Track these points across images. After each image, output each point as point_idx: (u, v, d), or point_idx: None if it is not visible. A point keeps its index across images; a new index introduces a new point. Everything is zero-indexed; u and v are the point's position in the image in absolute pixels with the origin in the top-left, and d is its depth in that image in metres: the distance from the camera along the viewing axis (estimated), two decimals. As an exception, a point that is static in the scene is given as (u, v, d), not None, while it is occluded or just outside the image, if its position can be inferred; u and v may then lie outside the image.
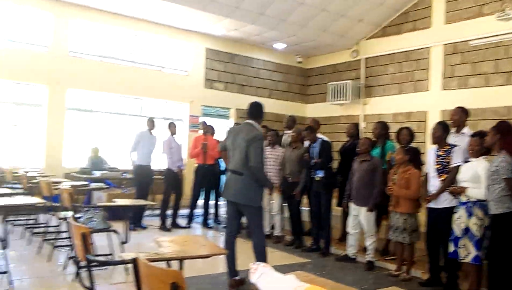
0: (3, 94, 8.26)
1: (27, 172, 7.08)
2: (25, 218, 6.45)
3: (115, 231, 4.46)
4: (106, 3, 8.59)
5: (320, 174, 5.99)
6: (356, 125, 6.80)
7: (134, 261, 2.10)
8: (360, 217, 5.41)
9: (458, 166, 4.39)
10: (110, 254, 4.72)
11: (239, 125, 4.95)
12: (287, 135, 7.10)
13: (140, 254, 2.25)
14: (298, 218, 6.48)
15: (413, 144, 5.68)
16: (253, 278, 2.10)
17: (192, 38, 10.15)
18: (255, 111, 4.44)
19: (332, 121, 10.83)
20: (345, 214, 6.19)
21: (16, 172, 7.08)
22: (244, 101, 10.94)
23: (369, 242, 5.38)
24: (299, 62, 11.75)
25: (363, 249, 5.56)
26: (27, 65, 8.12)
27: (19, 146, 8.51)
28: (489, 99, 7.94)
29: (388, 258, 5.59)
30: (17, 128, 8.47)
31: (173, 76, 10.06)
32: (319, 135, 6.35)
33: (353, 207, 5.49)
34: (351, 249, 5.61)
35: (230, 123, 10.63)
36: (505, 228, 3.87)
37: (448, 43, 8.70)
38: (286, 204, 6.64)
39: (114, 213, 5.73)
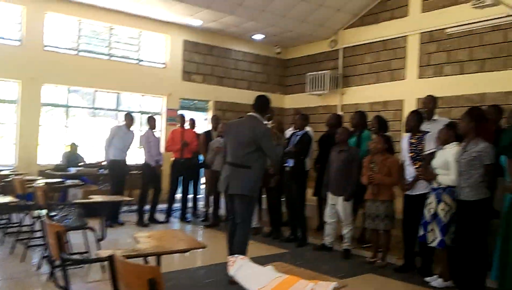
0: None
1: (0, 170, 6.89)
2: (-2, 217, 6.28)
3: (91, 229, 4.34)
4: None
5: (290, 164, 5.92)
6: (337, 116, 6.81)
7: (110, 258, 2.05)
8: (337, 206, 5.44)
9: (433, 152, 4.44)
10: (86, 252, 4.62)
11: (240, 118, 4.86)
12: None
13: (117, 251, 2.20)
14: (277, 209, 6.47)
15: (389, 132, 5.73)
16: (232, 271, 2.08)
17: (170, 30, 9.99)
18: (261, 104, 4.34)
19: (310, 111, 10.76)
20: (321, 204, 6.22)
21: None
22: (223, 93, 11.08)
23: (346, 231, 5.43)
24: (278, 53, 11.68)
25: (340, 238, 5.60)
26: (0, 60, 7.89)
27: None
28: (463, 86, 8.05)
29: (364, 246, 5.66)
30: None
31: (150, 69, 9.91)
32: (306, 128, 6.23)
33: (330, 197, 5.52)
34: (328, 239, 5.65)
35: (208, 115, 10.55)
36: (478, 214, 3.95)
37: (424, 32, 8.77)
38: (265, 196, 6.63)
39: (90, 210, 5.55)
